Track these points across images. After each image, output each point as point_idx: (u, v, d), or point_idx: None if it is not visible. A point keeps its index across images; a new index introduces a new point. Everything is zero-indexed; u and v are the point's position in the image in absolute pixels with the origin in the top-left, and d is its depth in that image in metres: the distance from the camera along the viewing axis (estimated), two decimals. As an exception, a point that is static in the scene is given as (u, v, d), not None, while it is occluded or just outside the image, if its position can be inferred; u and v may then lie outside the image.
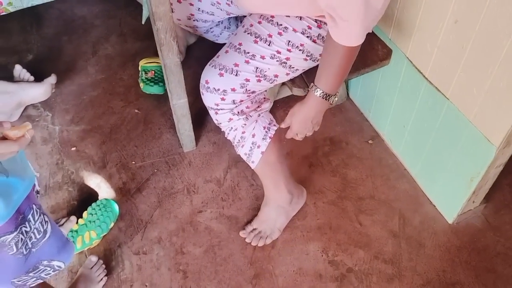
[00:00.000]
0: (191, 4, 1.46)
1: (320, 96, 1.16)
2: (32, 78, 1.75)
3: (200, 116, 1.74)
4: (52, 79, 1.72)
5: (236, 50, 1.22)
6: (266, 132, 1.33)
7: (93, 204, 1.47)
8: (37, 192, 1.06)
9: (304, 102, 1.20)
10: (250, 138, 1.32)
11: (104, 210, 1.43)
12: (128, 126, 1.75)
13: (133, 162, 1.65)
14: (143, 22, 1.52)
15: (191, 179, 1.61)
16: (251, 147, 1.33)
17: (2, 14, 1.00)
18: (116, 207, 1.47)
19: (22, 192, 0.95)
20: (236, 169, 1.63)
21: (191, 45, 1.94)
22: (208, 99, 1.27)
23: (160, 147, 1.69)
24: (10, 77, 1.73)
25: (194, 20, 1.51)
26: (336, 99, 1.19)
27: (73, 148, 1.68)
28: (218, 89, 1.23)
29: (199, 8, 1.47)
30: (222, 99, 1.24)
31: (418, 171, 1.59)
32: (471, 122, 1.25)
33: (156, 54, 1.87)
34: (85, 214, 1.45)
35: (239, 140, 1.33)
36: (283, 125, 1.28)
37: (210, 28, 1.63)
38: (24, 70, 1.75)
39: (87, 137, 1.71)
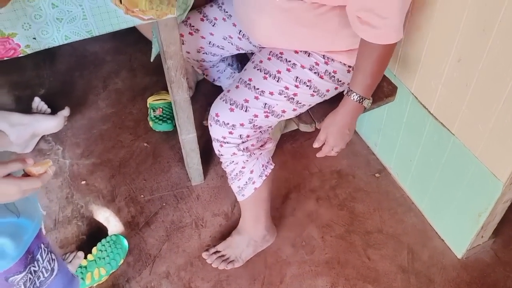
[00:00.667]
0: (203, 37, 1.49)
1: (356, 100, 1.19)
2: (49, 110, 1.81)
3: (208, 150, 1.76)
4: (65, 112, 1.77)
5: (247, 86, 1.26)
6: (263, 170, 1.37)
7: (103, 240, 1.47)
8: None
9: (338, 110, 1.23)
10: (248, 174, 1.35)
11: (114, 246, 1.44)
12: (137, 159, 1.77)
13: (142, 196, 1.66)
14: (152, 60, 1.56)
15: (199, 213, 1.62)
16: (246, 182, 1.36)
17: (20, 55, 1.04)
18: (125, 243, 1.48)
19: (31, 232, 0.97)
20: (243, 203, 1.64)
21: (200, 80, 1.99)
22: (216, 132, 1.30)
23: (169, 180, 1.71)
24: (23, 110, 1.77)
25: (203, 53, 1.54)
26: (370, 102, 1.22)
27: (83, 182, 1.70)
28: (228, 123, 1.25)
29: (210, 42, 1.50)
30: (230, 133, 1.26)
31: (425, 205, 1.59)
32: (477, 158, 1.26)
33: (164, 89, 1.92)
34: (94, 250, 1.45)
35: (236, 173, 1.36)
36: (316, 144, 1.29)
37: (217, 63, 1.67)
38: (42, 103, 1.81)
39: (97, 171, 1.73)
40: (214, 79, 1.73)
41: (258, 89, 1.24)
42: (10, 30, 0.99)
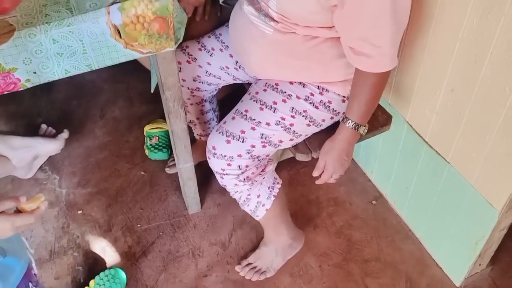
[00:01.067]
0: (200, 66, 1.50)
1: (351, 127, 1.21)
2: (54, 131, 1.86)
3: (205, 178, 1.77)
4: (65, 134, 1.80)
5: (243, 117, 1.27)
6: (270, 191, 1.39)
7: (101, 274, 1.46)
8: (35, 274, 1.07)
9: (335, 137, 1.25)
10: (255, 199, 1.37)
11: (113, 281, 1.43)
12: (134, 188, 1.77)
13: (139, 225, 1.65)
14: (152, 91, 1.57)
15: (196, 242, 1.61)
16: (256, 205, 1.39)
17: (20, 89, 1.05)
18: (123, 276, 1.47)
19: (19, 272, 0.96)
20: (241, 231, 1.64)
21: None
22: (215, 164, 1.30)
23: (166, 209, 1.71)
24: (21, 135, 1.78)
25: (199, 82, 1.55)
26: (366, 129, 1.24)
27: (79, 211, 1.69)
28: (225, 155, 1.26)
29: (207, 71, 1.51)
30: (228, 164, 1.27)
31: (423, 232, 1.59)
32: (472, 186, 1.27)
33: (161, 117, 1.94)
34: (92, 283, 1.44)
35: (244, 200, 1.38)
36: (316, 172, 1.30)
37: (204, 101, 1.64)
38: (50, 128, 1.86)
39: (93, 200, 1.73)
40: (190, 120, 1.70)
41: (254, 120, 1.26)
42: (11, 65, 1.00)
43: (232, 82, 1.58)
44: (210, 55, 1.49)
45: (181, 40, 1.29)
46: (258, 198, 1.37)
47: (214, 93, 1.65)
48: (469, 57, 1.14)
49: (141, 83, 2.15)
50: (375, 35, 1.06)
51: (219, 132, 1.28)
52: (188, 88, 1.56)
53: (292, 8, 1.11)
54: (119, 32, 1.06)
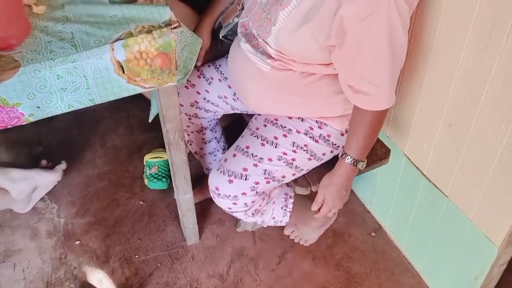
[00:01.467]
0: (198, 93, 1.51)
1: (350, 163, 1.22)
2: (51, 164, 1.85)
3: (204, 208, 1.76)
4: (63, 165, 1.81)
5: (244, 154, 1.27)
6: (284, 210, 1.43)
7: (99, 308, 1.45)
8: None
9: (334, 172, 1.26)
10: (272, 220, 1.44)
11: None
12: (133, 218, 1.77)
13: (137, 256, 1.64)
14: (150, 120, 1.59)
15: (194, 274, 1.60)
16: (275, 223, 1.46)
17: (23, 124, 1.07)
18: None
19: None
20: (239, 263, 1.63)
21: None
22: (221, 204, 1.31)
23: (164, 240, 1.70)
24: (22, 167, 1.78)
25: (196, 108, 1.55)
26: (365, 164, 1.25)
27: (77, 242, 1.68)
28: (229, 195, 1.26)
29: (205, 98, 1.52)
30: (234, 203, 1.28)
31: (422, 265, 1.58)
32: (471, 221, 1.28)
33: (161, 146, 1.95)
34: (89, 317, 1.42)
35: (261, 223, 1.44)
36: (315, 206, 1.32)
37: (205, 128, 1.64)
38: (50, 163, 1.85)
39: (91, 230, 1.72)
40: (195, 152, 1.71)
41: (256, 156, 1.26)
42: (15, 100, 1.02)
43: (230, 111, 1.59)
44: (209, 84, 1.51)
45: (191, 72, 1.29)
46: (274, 219, 1.42)
47: (214, 122, 1.66)
48: (466, 93, 1.16)
49: (141, 112, 2.17)
50: (374, 73, 1.08)
51: (221, 172, 1.27)
52: (186, 114, 1.56)
53: (290, 45, 1.14)
54: (122, 68, 1.08)
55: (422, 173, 1.42)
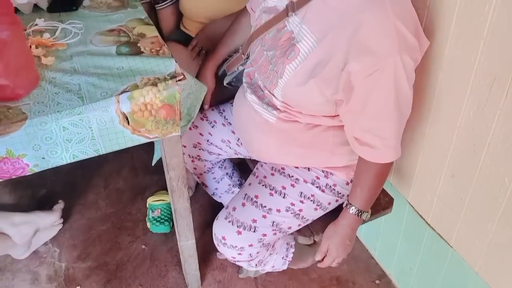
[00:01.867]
0: (201, 134, 1.51)
1: (355, 214, 1.21)
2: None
3: (206, 254, 1.75)
4: (61, 205, 1.82)
5: (253, 204, 1.27)
6: (284, 260, 1.43)
7: None
8: None
9: (338, 222, 1.25)
10: (271, 268, 1.44)
11: None
12: (134, 263, 1.75)
13: (137, 303, 1.62)
14: (153, 164, 1.59)
15: (195, 322, 1.57)
16: (272, 270, 1.46)
17: (27, 174, 1.08)
18: None
19: None
20: (241, 311, 1.60)
21: (200, 180, 2.02)
22: (225, 252, 1.30)
23: (166, 285, 1.68)
24: (25, 209, 1.78)
25: (199, 149, 1.54)
26: (369, 215, 1.24)
27: (78, 287, 1.66)
28: (236, 246, 1.25)
29: (208, 140, 1.52)
30: (239, 254, 1.27)
31: (428, 316, 1.55)
32: (476, 272, 1.26)
33: (164, 188, 1.94)
34: None
35: (260, 271, 1.44)
36: (319, 256, 1.30)
37: (212, 167, 1.65)
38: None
39: (93, 275, 1.70)
40: (213, 193, 1.73)
41: (265, 207, 1.26)
42: (21, 152, 1.03)
43: (234, 156, 1.59)
44: (212, 127, 1.52)
45: (194, 118, 1.30)
46: (273, 267, 1.42)
47: (219, 163, 1.66)
48: (468, 145, 1.16)
49: (145, 153, 2.18)
50: (380, 126, 1.08)
51: (229, 221, 1.26)
52: (189, 155, 1.56)
53: (297, 98, 1.15)
54: (127, 119, 1.10)
55: (427, 222, 1.41)
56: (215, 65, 1.51)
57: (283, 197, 1.27)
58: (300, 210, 1.27)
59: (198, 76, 1.53)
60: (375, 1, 0.99)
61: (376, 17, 0.98)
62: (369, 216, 1.24)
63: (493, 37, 1.01)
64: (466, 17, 1.05)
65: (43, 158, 1.07)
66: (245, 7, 1.44)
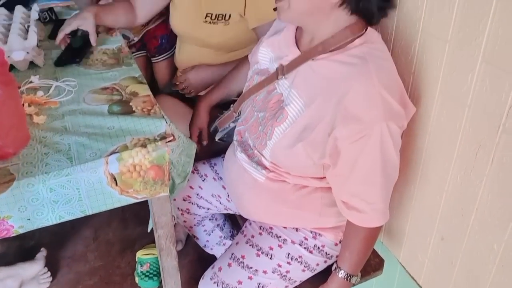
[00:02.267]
0: (191, 188, 1.50)
1: (343, 278, 1.20)
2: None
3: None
4: (43, 252, 1.79)
5: (239, 265, 1.26)
6: None
7: None
8: None
9: (328, 286, 1.24)
10: None
11: None
12: (121, 320, 1.70)
13: None
14: (148, 231, 1.57)
15: None
16: None
17: (12, 235, 1.06)
18: None
19: None
20: None
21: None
22: None
23: None
24: (8, 263, 1.74)
25: (189, 203, 1.53)
26: (358, 279, 1.22)
27: None
28: None
29: (198, 194, 1.51)
30: None
31: None
32: None
33: (154, 241, 1.92)
34: None
35: None
36: None
37: (202, 220, 1.64)
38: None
39: (77, 333, 1.65)
40: (204, 245, 1.72)
41: (251, 268, 1.25)
42: (6, 213, 1.02)
43: (224, 211, 1.57)
44: (203, 180, 1.51)
45: (189, 174, 1.30)
46: None
47: (209, 215, 1.65)
48: (456, 209, 1.16)
49: (136, 204, 2.14)
50: (367, 192, 1.09)
51: (215, 282, 1.25)
52: (179, 208, 1.55)
53: (285, 159, 1.16)
54: (115, 180, 1.10)
55: (418, 284, 1.39)
56: (209, 105, 1.53)
57: (270, 258, 1.25)
58: (287, 272, 1.25)
59: (192, 115, 1.54)
60: (361, 70, 1.01)
61: (363, 86, 1.00)
62: (358, 279, 1.22)
63: (476, 106, 1.03)
64: (450, 85, 1.08)
65: (29, 219, 1.06)
66: (247, 56, 1.45)
